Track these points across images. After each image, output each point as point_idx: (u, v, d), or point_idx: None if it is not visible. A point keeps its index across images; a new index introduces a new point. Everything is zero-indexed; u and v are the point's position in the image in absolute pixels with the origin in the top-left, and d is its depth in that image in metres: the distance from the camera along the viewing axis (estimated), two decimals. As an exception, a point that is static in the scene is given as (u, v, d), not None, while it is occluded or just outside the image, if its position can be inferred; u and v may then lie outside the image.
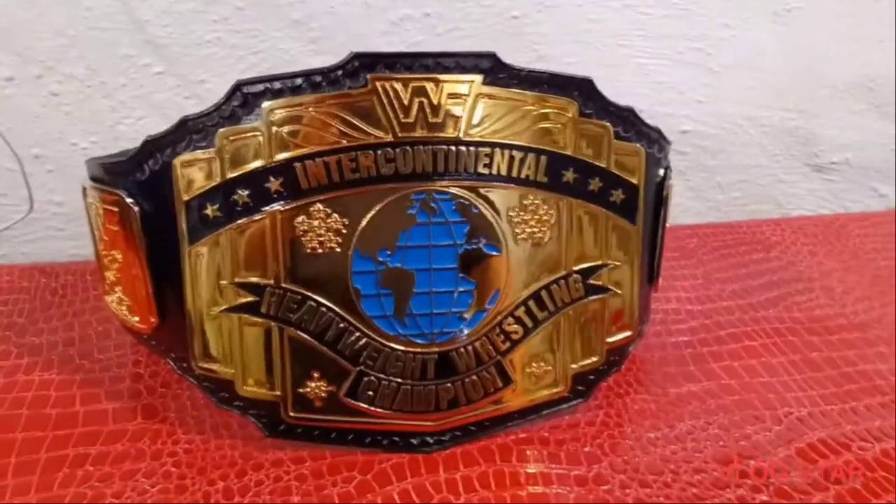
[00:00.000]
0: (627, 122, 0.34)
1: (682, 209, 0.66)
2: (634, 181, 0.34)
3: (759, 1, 0.57)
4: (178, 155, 0.30)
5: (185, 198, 0.30)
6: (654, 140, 0.35)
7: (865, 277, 0.50)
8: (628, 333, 0.36)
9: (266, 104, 0.30)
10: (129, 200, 0.31)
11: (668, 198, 0.37)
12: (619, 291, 0.35)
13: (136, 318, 0.34)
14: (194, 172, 0.30)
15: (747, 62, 0.59)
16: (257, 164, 0.30)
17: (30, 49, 0.48)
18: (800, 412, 0.37)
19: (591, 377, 0.36)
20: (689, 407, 0.38)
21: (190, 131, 0.30)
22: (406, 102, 0.30)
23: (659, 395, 0.38)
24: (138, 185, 0.31)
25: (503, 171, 0.32)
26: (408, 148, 0.31)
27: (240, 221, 0.31)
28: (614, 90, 0.58)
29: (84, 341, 0.40)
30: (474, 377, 0.34)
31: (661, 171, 0.37)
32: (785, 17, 0.57)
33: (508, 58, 0.54)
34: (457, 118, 0.31)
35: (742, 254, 0.53)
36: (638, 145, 0.34)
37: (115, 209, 0.32)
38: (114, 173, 0.32)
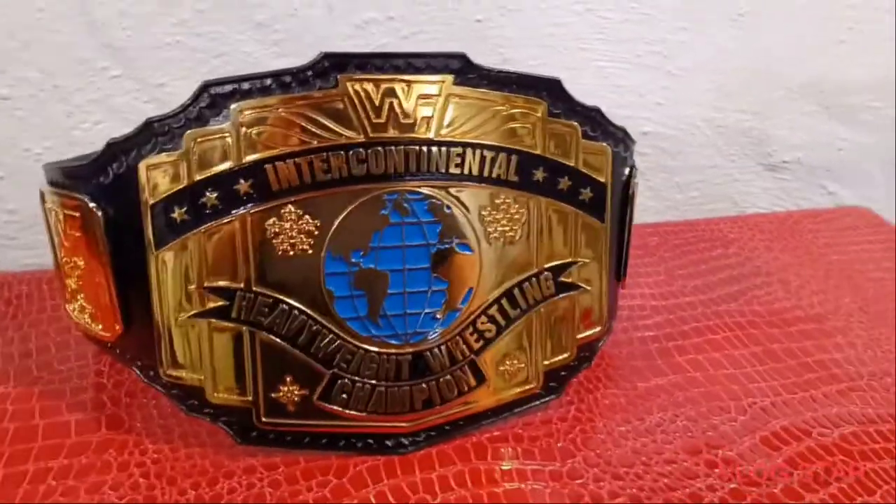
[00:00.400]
0: (594, 121, 0.34)
1: (643, 209, 0.67)
2: (602, 180, 0.35)
3: (716, 5, 0.58)
4: (144, 158, 0.29)
5: (151, 201, 0.30)
6: (619, 139, 0.36)
7: (819, 271, 0.52)
8: (597, 329, 0.37)
9: (234, 105, 0.29)
10: (91, 205, 0.31)
11: (634, 196, 0.38)
12: (589, 288, 0.36)
13: (100, 326, 0.33)
14: (160, 175, 0.30)
15: (704, 65, 0.60)
16: (226, 165, 0.30)
17: (-21, 51, 0.46)
18: (763, 402, 0.39)
19: (563, 373, 0.37)
20: (657, 400, 0.38)
21: (155, 133, 0.29)
22: (377, 103, 0.30)
23: (628, 389, 0.39)
24: (101, 188, 0.31)
25: (475, 171, 0.32)
26: (379, 148, 0.30)
27: (208, 224, 0.30)
28: (576, 93, 0.59)
29: (42, 352, 0.39)
30: (448, 377, 0.34)
31: (627, 170, 0.37)
32: (740, 20, 0.59)
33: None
34: (428, 118, 0.31)
35: (702, 251, 0.55)
36: (605, 144, 0.35)
37: (77, 214, 0.31)
38: (75, 177, 0.31)
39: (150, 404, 0.36)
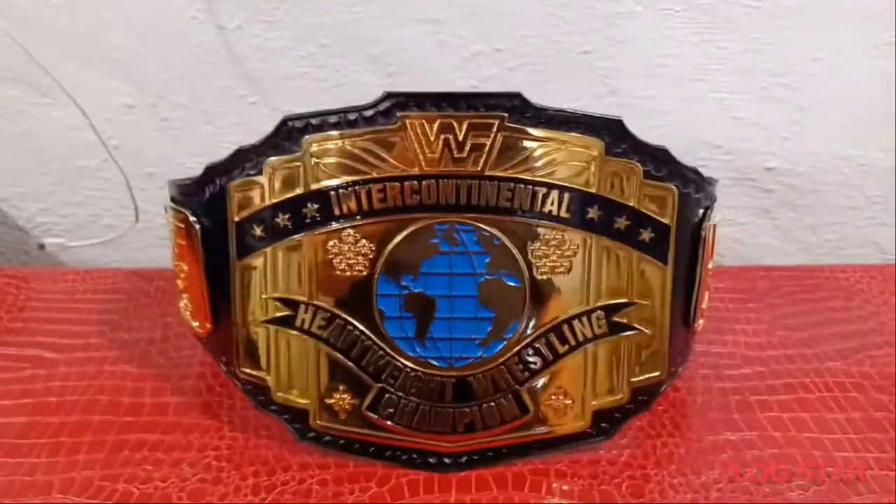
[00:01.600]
0: (660, 161, 0.34)
1: (769, 249, 0.63)
2: (665, 221, 0.34)
3: (853, 35, 0.53)
4: (232, 180, 0.34)
5: (236, 219, 0.34)
6: (690, 179, 0.35)
7: (959, 335, 0.46)
8: (657, 374, 0.36)
9: (307, 137, 0.33)
10: (192, 218, 0.36)
11: (708, 239, 0.36)
12: (647, 331, 0.35)
13: (196, 323, 0.38)
14: (244, 196, 0.34)
15: (839, 99, 0.55)
16: (298, 191, 0.33)
17: (146, 81, 0.55)
18: (847, 474, 0.35)
19: (616, 415, 0.36)
20: (721, 456, 0.36)
21: (243, 160, 0.34)
22: (432, 138, 0.32)
23: (692, 441, 0.37)
24: (200, 205, 0.36)
25: (525, 207, 0.33)
26: (433, 181, 0.32)
27: (280, 242, 0.34)
28: (690, 125, 0.57)
29: (163, 341, 0.45)
30: (492, 403, 0.35)
31: (700, 212, 0.36)
32: (884, 50, 0.54)
33: (578, 93, 0.55)
34: (480, 154, 0.32)
35: (818, 300, 0.50)
36: (670, 185, 0.34)
37: (183, 225, 0.37)
38: (183, 194, 0.37)
39: (236, 396, 0.40)
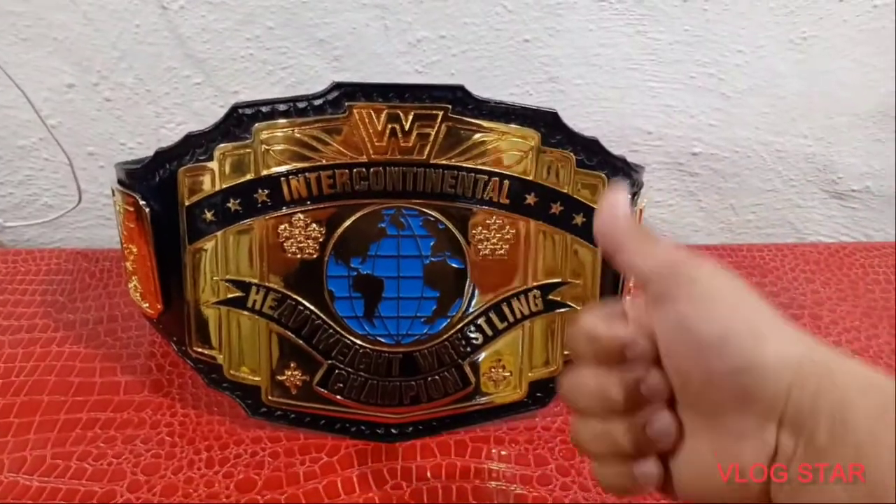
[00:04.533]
0: (591, 151, 0.36)
1: (694, 229, 0.67)
2: (596, 206, 0.37)
3: (775, 29, 0.57)
4: (183, 165, 0.35)
5: (187, 203, 0.35)
6: (618, 168, 0.37)
7: (859, 308, 0.51)
8: (587, 347, 0.39)
9: (257, 125, 0.34)
10: (142, 202, 0.36)
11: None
12: (579, 307, 0.38)
13: (147, 304, 0.39)
14: (195, 181, 0.35)
15: (761, 89, 0.59)
16: (248, 176, 0.34)
17: (88, 60, 0.54)
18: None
19: (551, 385, 0.39)
20: (645, 421, 0.40)
21: (193, 145, 0.35)
22: (380, 128, 0.34)
23: (619, 408, 0.41)
24: (150, 189, 0.36)
25: (468, 193, 0.35)
26: (380, 168, 0.34)
27: (231, 226, 0.35)
28: (623, 112, 0.60)
29: (111, 321, 0.46)
30: (436, 377, 0.37)
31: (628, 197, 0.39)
32: (802, 44, 0.58)
33: (519, 79, 0.57)
34: (425, 143, 0.34)
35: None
36: (601, 173, 0.37)
37: (132, 209, 0.37)
38: (133, 178, 0.37)
39: (187, 374, 0.41)
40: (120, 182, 0.39)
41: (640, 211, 0.40)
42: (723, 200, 0.65)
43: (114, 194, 0.40)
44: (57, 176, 0.58)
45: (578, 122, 0.35)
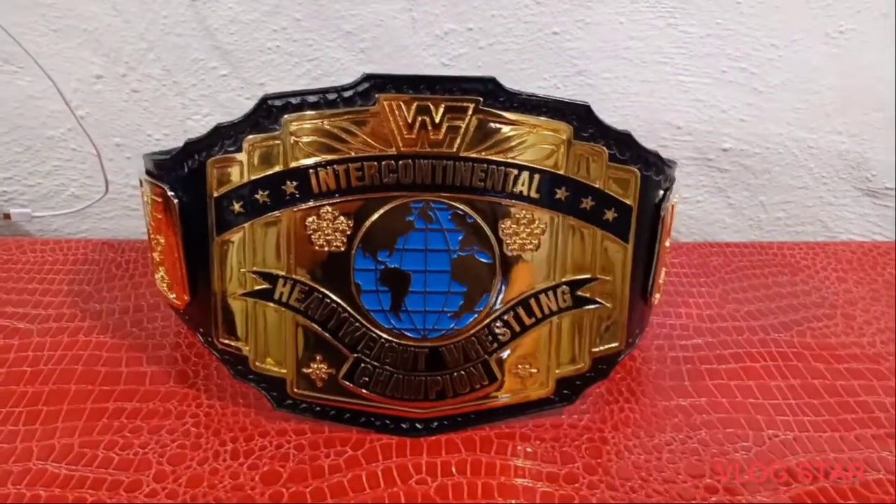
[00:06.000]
0: (624, 145, 0.36)
1: (722, 226, 0.66)
2: (628, 202, 0.36)
3: (810, 22, 0.56)
4: (212, 156, 0.35)
5: (215, 194, 0.35)
6: (651, 163, 0.37)
7: (892, 309, 0.50)
8: (616, 344, 0.38)
9: (286, 116, 0.34)
10: (170, 193, 0.36)
11: (667, 218, 0.39)
12: (608, 304, 0.37)
13: (173, 295, 0.39)
14: (223, 173, 0.35)
15: (795, 83, 0.58)
16: (277, 168, 0.34)
17: (116, 51, 0.54)
18: (785, 435, 0.38)
19: (578, 382, 0.38)
20: (673, 420, 0.39)
21: (222, 136, 0.34)
22: (409, 120, 0.33)
23: (646, 406, 0.40)
24: (179, 180, 0.36)
25: (497, 187, 0.34)
26: (409, 161, 0.34)
27: (259, 218, 0.35)
28: (653, 106, 0.59)
29: (137, 311, 0.46)
30: (462, 372, 0.37)
31: (660, 193, 0.38)
32: (838, 38, 0.56)
33: (547, 73, 0.57)
34: (455, 136, 0.34)
35: (766, 275, 0.53)
36: (633, 168, 0.36)
37: (160, 199, 0.37)
38: (161, 168, 0.37)
39: (213, 365, 0.41)
40: (148, 172, 0.39)
41: (672, 207, 0.40)
42: (752, 197, 0.64)
43: (141, 185, 0.40)
44: (84, 166, 0.59)
45: (607, 116, 0.34)
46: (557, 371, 0.38)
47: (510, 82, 0.34)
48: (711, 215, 0.65)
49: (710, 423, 0.39)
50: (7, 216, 0.56)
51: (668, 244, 0.41)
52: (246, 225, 0.35)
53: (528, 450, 0.37)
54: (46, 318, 0.45)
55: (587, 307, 0.37)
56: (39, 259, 0.51)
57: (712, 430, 0.38)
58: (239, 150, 0.34)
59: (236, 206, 0.35)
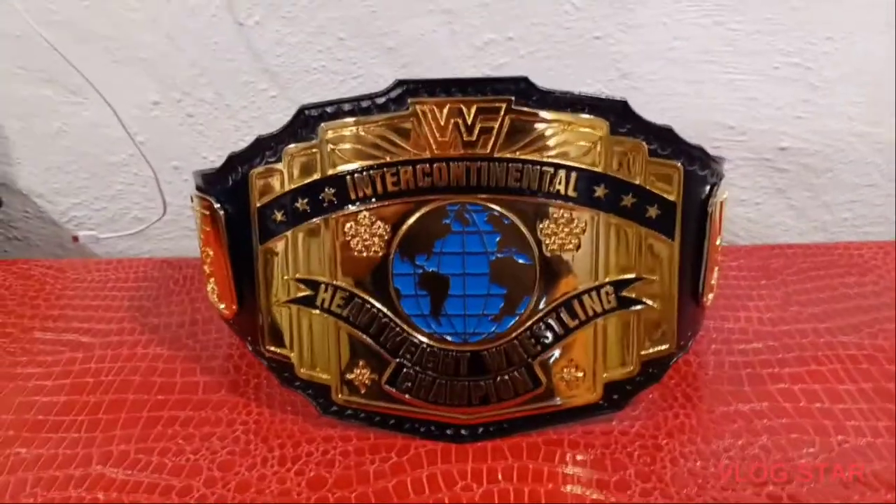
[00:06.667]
0: (664, 139, 0.35)
1: (784, 228, 0.63)
2: (671, 198, 0.35)
3: (868, 12, 0.53)
4: (254, 168, 0.36)
5: (258, 204, 0.36)
6: (695, 157, 0.36)
7: (974, 308, 0.46)
8: (666, 346, 0.37)
9: (323, 125, 0.34)
10: (216, 205, 0.38)
11: (715, 215, 0.37)
12: (655, 305, 0.36)
13: (223, 305, 0.40)
14: (265, 183, 0.36)
15: (854, 76, 0.55)
16: (315, 176, 0.35)
17: (171, 77, 0.57)
18: (857, 442, 0.36)
19: (627, 387, 0.37)
20: (732, 426, 0.37)
21: (263, 148, 0.35)
22: (442, 123, 0.33)
23: (703, 412, 0.38)
24: (224, 192, 0.37)
25: (534, 186, 0.34)
26: (444, 164, 0.34)
27: (300, 226, 0.35)
28: (702, 107, 0.58)
29: (192, 324, 0.48)
30: (505, 377, 0.36)
31: (707, 188, 0.37)
32: (898, 26, 0.54)
33: (590, 78, 0.56)
34: (489, 137, 0.33)
35: (832, 276, 0.50)
36: (676, 162, 0.35)
37: (208, 212, 0.38)
38: (208, 182, 0.39)
39: (262, 375, 0.42)
40: (197, 188, 0.40)
41: (721, 204, 0.38)
42: (815, 198, 0.61)
43: (192, 200, 0.42)
44: (145, 190, 0.62)
45: (654, 118, 0.33)
46: (605, 375, 0.36)
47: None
48: (772, 217, 0.62)
49: (773, 428, 0.37)
50: (75, 239, 0.59)
51: (718, 242, 0.39)
52: (288, 233, 0.36)
53: (578, 457, 0.36)
54: (108, 332, 0.47)
55: (633, 308, 0.36)
56: (103, 277, 0.54)
57: (774, 436, 0.36)
58: (279, 160, 0.35)
59: (278, 216, 0.36)
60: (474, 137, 0.34)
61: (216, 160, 0.60)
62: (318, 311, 0.36)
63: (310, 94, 0.58)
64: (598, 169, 0.34)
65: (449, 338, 0.35)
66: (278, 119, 0.59)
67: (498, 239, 0.34)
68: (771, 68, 0.55)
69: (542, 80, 0.33)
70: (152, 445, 0.37)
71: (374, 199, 0.34)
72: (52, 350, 0.45)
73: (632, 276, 0.36)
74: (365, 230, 0.35)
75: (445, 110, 0.33)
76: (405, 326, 0.36)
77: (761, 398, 0.39)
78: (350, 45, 0.56)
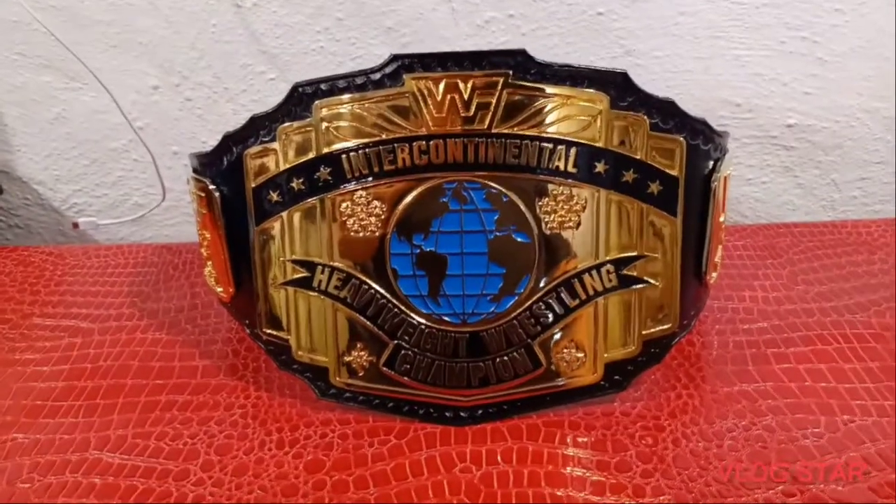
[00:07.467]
0: (666, 113, 0.34)
1: (791, 207, 0.62)
2: (674, 173, 0.34)
3: (876, -17, 0.52)
4: (248, 148, 0.35)
5: (253, 185, 0.35)
6: (698, 131, 0.35)
7: None
8: (668, 326, 0.36)
9: (317, 102, 0.34)
10: (212, 187, 0.37)
11: (719, 191, 0.36)
12: (657, 283, 0.35)
13: (220, 289, 0.40)
14: (260, 163, 0.35)
15: (863, 50, 0.54)
16: (310, 155, 0.34)
17: (170, 61, 0.57)
18: (863, 421, 0.35)
19: (629, 367, 0.36)
20: (735, 406, 0.37)
21: (258, 127, 0.35)
22: (439, 99, 0.33)
23: (706, 393, 0.38)
24: (219, 173, 0.37)
25: (532, 162, 0.33)
26: (440, 141, 0.33)
27: (296, 206, 0.35)
28: (708, 84, 0.57)
29: (191, 309, 0.47)
30: (505, 358, 0.35)
31: (710, 164, 0.36)
32: (909, -2, 0.52)
33: (593, 55, 0.55)
34: (486, 112, 0.33)
35: (839, 255, 0.50)
36: (678, 136, 0.34)
37: (203, 194, 0.38)
38: (203, 164, 0.38)
39: (261, 359, 0.42)
40: (193, 170, 0.40)
41: (725, 179, 0.37)
42: (823, 175, 0.60)
43: (188, 183, 0.41)
44: (145, 176, 0.61)
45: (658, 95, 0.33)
46: (606, 355, 0.36)
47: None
48: (779, 197, 0.61)
49: (777, 408, 0.36)
50: (76, 225, 0.59)
51: (722, 219, 0.39)
52: (283, 214, 0.35)
53: (579, 438, 0.35)
54: (107, 317, 0.47)
55: (635, 287, 0.35)
56: (103, 263, 0.53)
57: (779, 415, 0.36)
58: (274, 139, 0.35)
59: (273, 196, 0.35)
60: (472, 113, 0.33)
61: (215, 144, 0.60)
62: (314, 293, 0.36)
63: (309, 76, 0.57)
64: (599, 144, 0.33)
65: (447, 318, 0.35)
66: (277, 102, 0.59)
67: (496, 217, 0.34)
68: (778, 43, 0.54)
69: (546, 58, 0.32)
70: (150, 430, 0.37)
71: (370, 178, 0.34)
72: (51, 336, 0.45)
73: (633, 253, 0.35)
74: (361, 210, 0.34)
75: (442, 86, 0.33)
76: (403, 307, 0.35)
77: (766, 378, 0.38)
78: (349, 25, 0.55)
